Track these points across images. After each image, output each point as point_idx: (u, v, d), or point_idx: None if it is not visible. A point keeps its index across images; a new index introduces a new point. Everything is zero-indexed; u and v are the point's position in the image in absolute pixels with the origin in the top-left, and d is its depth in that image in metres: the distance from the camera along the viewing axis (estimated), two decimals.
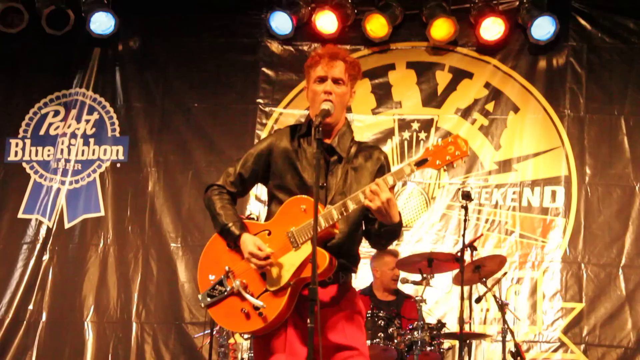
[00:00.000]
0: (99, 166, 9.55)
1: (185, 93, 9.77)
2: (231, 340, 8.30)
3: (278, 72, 9.72)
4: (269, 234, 4.20)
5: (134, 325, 9.23)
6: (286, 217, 4.18)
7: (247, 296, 4.12)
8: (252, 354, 7.24)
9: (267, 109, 9.65)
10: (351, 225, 4.22)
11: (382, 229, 4.11)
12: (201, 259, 4.39)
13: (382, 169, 4.30)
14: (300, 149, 4.29)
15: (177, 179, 9.62)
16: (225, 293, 4.20)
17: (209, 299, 4.25)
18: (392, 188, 4.03)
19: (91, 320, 9.21)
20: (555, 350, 8.97)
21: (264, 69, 9.70)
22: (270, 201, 4.39)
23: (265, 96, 9.68)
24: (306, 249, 4.05)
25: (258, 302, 4.08)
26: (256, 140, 9.39)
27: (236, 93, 9.74)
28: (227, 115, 9.74)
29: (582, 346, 8.94)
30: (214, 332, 7.69)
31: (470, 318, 7.70)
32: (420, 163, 3.98)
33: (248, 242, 4.14)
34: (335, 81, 4.24)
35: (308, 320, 3.75)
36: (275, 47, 9.72)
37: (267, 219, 4.32)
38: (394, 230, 4.17)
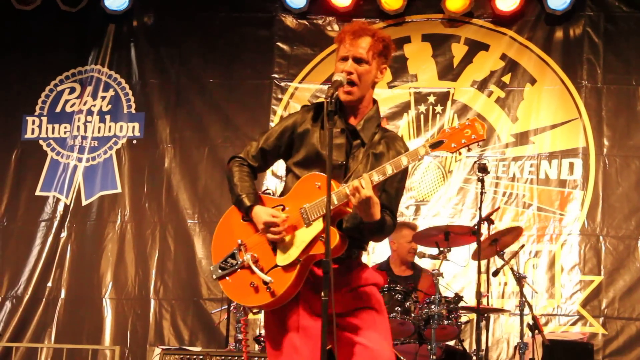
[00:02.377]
0: (115, 143, 9.59)
1: (200, 69, 9.80)
2: (251, 316, 8.42)
3: (293, 47, 9.73)
4: (283, 209, 4.17)
5: (152, 301, 9.29)
6: (301, 193, 4.16)
7: (257, 270, 4.11)
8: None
9: (282, 84, 9.66)
10: None
11: (362, 224, 4.09)
12: (216, 231, 4.36)
13: None
14: (323, 128, 4.22)
15: (193, 155, 9.64)
16: (236, 266, 4.20)
17: (220, 271, 4.24)
18: (406, 170, 4.06)
19: (109, 297, 9.28)
20: (573, 324, 8.98)
21: (278, 44, 9.72)
22: (287, 176, 4.36)
23: (280, 71, 9.69)
24: (317, 226, 4.04)
25: (266, 277, 4.07)
26: (272, 116, 9.55)
27: (251, 68, 9.77)
28: (243, 91, 9.75)
29: (601, 319, 8.94)
30: (231, 308, 7.68)
31: (487, 292, 7.69)
32: (436, 145, 3.97)
33: (261, 213, 4.13)
34: (357, 60, 4.18)
35: (322, 293, 3.75)
36: (289, 21, 9.74)
37: (282, 194, 4.31)
38: (376, 228, 4.13)
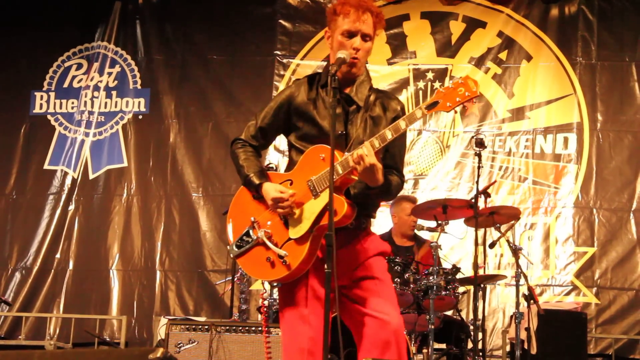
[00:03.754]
0: (122, 118, 9.67)
1: (204, 45, 9.83)
2: (252, 287, 8.50)
3: (295, 24, 9.77)
4: (291, 183, 4.21)
5: (158, 273, 9.40)
6: (306, 167, 4.18)
7: (271, 245, 4.13)
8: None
9: (284, 61, 9.72)
10: None
11: (368, 190, 4.13)
12: (230, 211, 4.38)
13: (398, 118, 4.20)
14: (319, 99, 4.25)
15: (197, 130, 9.72)
16: (251, 243, 4.22)
17: (237, 250, 4.26)
18: (404, 133, 4.08)
19: (116, 269, 9.38)
20: (567, 294, 9.08)
21: (281, 21, 9.75)
22: (290, 151, 4.40)
23: (282, 48, 9.73)
24: (325, 197, 4.04)
25: (281, 251, 4.10)
26: (274, 92, 9.51)
27: (254, 45, 9.80)
28: (246, 67, 9.79)
29: (594, 289, 9.03)
30: (235, 279, 7.75)
31: (484, 263, 7.65)
32: (431, 106, 3.99)
33: (270, 189, 4.16)
34: (364, 37, 4.21)
35: (325, 266, 3.79)
36: None
37: (288, 169, 4.34)
38: (381, 192, 4.18)
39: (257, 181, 4.18)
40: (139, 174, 9.61)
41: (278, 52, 9.74)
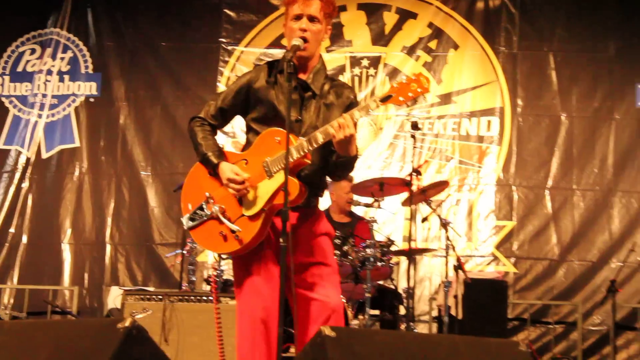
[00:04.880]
0: (74, 101, 9.81)
1: (153, 33, 9.98)
2: (199, 259, 8.58)
3: (239, 13, 9.91)
4: (246, 163, 4.26)
5: (108, 246, 9.55)
6: (262, 148, 4.22)
7: (225, 220, 4.20)
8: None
9: (229, 48, 9.87)
10: (320, 156, 4.26)
11: (340, 159, 4.17)
12: (184, 185, 4.44)
13: (351, 107, 4.29)
14: (277, 84, 4.31)
15: (146, 113, 9.87)
16: (205, 217, 4.28)
17: (190, 222, 4.33)
18: (355, 124, 4.09)
19: (68, 242, 9.53)
20: (488, 264, 9.41)
21: (225, 10, 9.91)
22: (248, 133, 4.43)
23: (227, 36, 9.87)
24: (279, 178, 4.10)
25: (234, 226, 4.17)
26: (219, 77, 9.79)
27: (201, 33, 9.94)
28: (193, 54, 9.92)
29: (513, 259, 9.38)
30: (185, 252, 7.77)
31: (415, 236, 7.81)
32: (386, 99, 4.06)
33: (226, 169, 4.22)
34: (311, 19, 4.26)
35: (281, 240, 3.84)
36: None
37: (244, 149, 4.38)
38: (349, 162, 4.22)
39: (215, 160, 4.26)
40: (91, 153, 9.74)
41: (223, 40, 9.87)
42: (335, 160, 4.18)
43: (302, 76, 4.24)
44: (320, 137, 4.03)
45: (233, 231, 4.15)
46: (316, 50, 4.32)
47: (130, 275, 9.53)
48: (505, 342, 3.73)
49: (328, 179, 4.48)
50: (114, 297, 8.40)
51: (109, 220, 9.68)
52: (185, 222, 4.33)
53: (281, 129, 4.09)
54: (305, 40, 4.17)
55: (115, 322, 3.11)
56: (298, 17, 4.25)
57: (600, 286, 9.23)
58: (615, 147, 9.60)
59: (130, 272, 9.56)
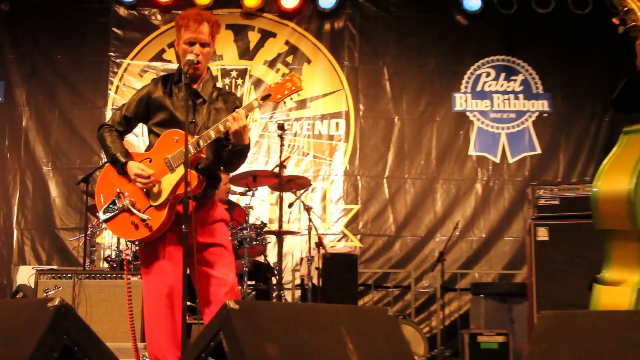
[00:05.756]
0: None
1: (51, 47, 10.18)
2: (99, 240, 8.85)
3: (125, 31, 10.26)
4: (150, 161, 4.34)
5: (15, 231, 9.81)
6: (163, 147, 4.31)
7: (135, 211, 4.27)
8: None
9: (117, 61, 10.21)
10: (214, 151, 4.34)
11: (235, 148, 4.23)
12: (97, 184, 4.47)
13: (237, 109, 4.30)
14: (172, 93, 4.40)
15: (46, 116, 10.09)
16: (118, 210, 4.34)
17: (105, 215, 4.39)
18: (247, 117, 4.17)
19: None
20: (339, 240, 9.98)
21: (113, 29, 10.26)
22: (149, 135, 4.50)
23: (115, 50, 10.23)
24: (180, 171, 4.19)
25: (144, 216, 4.25)
26: (110, 85, 10.10)
27: (93, 48, 10.19)
28: (86, 65, 10.18)
29: (359, 236, 10.01)
30: (85, 236, 7.96)
31: (281, 219, 7.78)
32: (265, 97, 4.19)
33: (133, 167, 4.30)
34: (202, 45, 4.35)
35: (183, 227, 3.97)
36: (122, 11, 10.34)
37: (147, 149, 4.44)
38: (243, 150, 4.30)
39: (123, 160, 4.33)
40: None
41: (112, 54, 10.22)
42: (231, 149, 4.26)
43: (194, 86, 4.33)
44: (212, 134, 4.11)
45: (143, 220, 4.22)
46: (206, 67, 4.45)
47: (35, 256, 9.73)
48: (376, 309, 3.82)
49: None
50: (23, 275, 8.67)
51: (15, 209, 9.85)
52: (101, 215, 4.39)
53: (178, 130, 4.24)
54: (198, 62, 4.29)
55: (46, 302, 3.04)
56: (191, 43, 4.33)
57: (428, 256, 9.93)
58: (437, 144, 10.29)
59: (36, 253, 9.76)
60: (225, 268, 4.36)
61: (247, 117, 4.14)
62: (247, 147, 4.30)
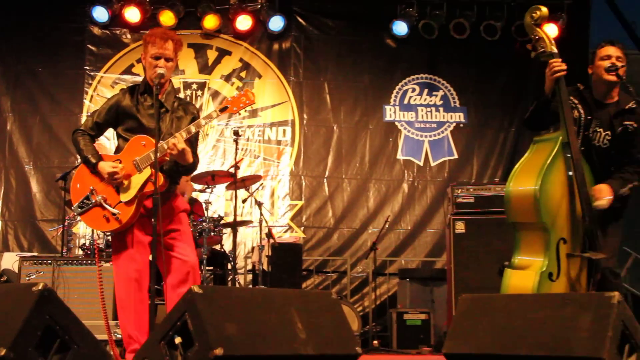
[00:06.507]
0: None
1: (33, 61, 10.22)
2: (75, 230, 8.74)
3: (99, 48, 10.32)
4: (120, 162, 4.37)
5: (0, 222, 9.81)
6: (131, 150, 4.35)
7: (107, 206, 4.31)
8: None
9: (92, 74, 10.21)
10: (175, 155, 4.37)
11: (181, 167, 4.36)
12: (72, 182, 4.51)
13: (195, 119, 4.44)
14: (139, 102, 4.43)
15: (28, 121, 10.12)
16: (91, 205, 4.36)
17: (79, 209, 4.43)
18: (198, 134, 4.33)
19: None
20: (286, 231, 10.03)
21: (89, 46, 10.30)
22: (118, 140, 4.54)
23: (90, 65, 10.26)
24: (146, 172, 4.27)
25: (115, 210, 4.28)
26: (85, 95, 10.10)
27: (70, 62, 10.27)
28: (64, 77, 10.22)
29: (302, 228, 10.11)
30: (63, 227, 7.99)
31: (236, 212, 7.90)
32: (223, 109, 4.26)
33: (105, 166, 4.36)
34: (167, 60, 4.41)
35: (152, 219, 4.02)
36: (96, 30, 10.35)
37: (116, 152, 4.50)
38: (189, 169, 4.43)
39: (94, 160, 4.40)
40: None
41: (87, 68, 10.25)
42: (177, 169, 4.43)
43: (159, 97, 4.33)
44: (165, 145, 4.22)
45: (114, 214, 4.27)
46: (169, 79, 4.56)
47: (18, 244, 9.78)
48: (322, 293, 3.90)
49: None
50: (7, 261, 8.58)
51: (0, 203, 9.91)
52: (75, 209, 4.44)
53: (145, 135, 4.30)
54: (163, 75, 4.35)
55: (31, 286, 3.04)
56: (157, 57, 4.39)
57: (362, 245, 10.02)
58: (370, 149, 10.38)
59: (18, 241, 9.82)
60: (186, 249, 4.43)
61: (205, 124, 4.24)
62: (192, 165, 4.40)
